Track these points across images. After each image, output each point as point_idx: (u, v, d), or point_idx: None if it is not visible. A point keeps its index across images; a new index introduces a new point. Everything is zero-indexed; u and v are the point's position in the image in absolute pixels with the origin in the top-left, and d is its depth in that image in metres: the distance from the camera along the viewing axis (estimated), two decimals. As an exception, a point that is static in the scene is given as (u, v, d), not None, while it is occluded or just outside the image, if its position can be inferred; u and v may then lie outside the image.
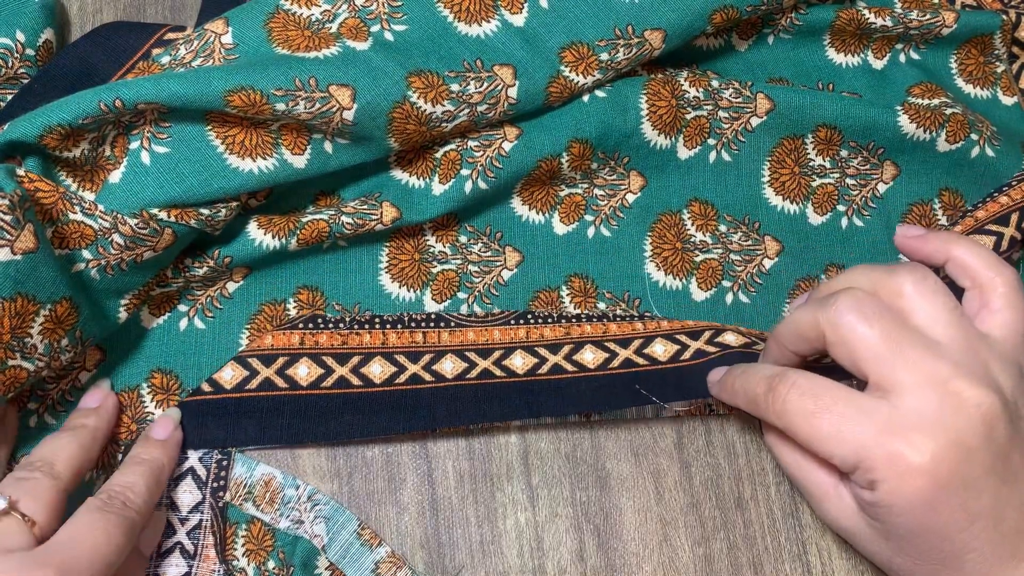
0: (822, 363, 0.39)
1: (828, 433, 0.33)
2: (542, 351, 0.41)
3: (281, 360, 0.40)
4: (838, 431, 0.32)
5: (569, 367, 0.41)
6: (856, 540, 0.36)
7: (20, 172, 0.34)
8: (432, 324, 0.41)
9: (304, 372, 0.40)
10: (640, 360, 0.41)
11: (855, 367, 0.33)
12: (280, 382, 0.40)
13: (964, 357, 0.33)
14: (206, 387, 0.40)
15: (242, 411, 0.39)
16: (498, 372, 0.41)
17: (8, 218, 0.32)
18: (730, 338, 0.41)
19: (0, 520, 0.31)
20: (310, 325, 0.41)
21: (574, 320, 0.42)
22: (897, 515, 0.32)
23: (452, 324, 0.42)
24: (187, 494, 0.38)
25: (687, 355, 0.41)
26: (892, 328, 0.33)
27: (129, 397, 0.39)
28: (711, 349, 0.41)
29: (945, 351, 0.33)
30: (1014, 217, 0.42)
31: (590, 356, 0.41)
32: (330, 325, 0.41)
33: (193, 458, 0.39)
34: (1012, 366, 0.34)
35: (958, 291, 0.36)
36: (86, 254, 0.35)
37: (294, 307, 0.41)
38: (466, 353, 0.41)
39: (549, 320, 0.42)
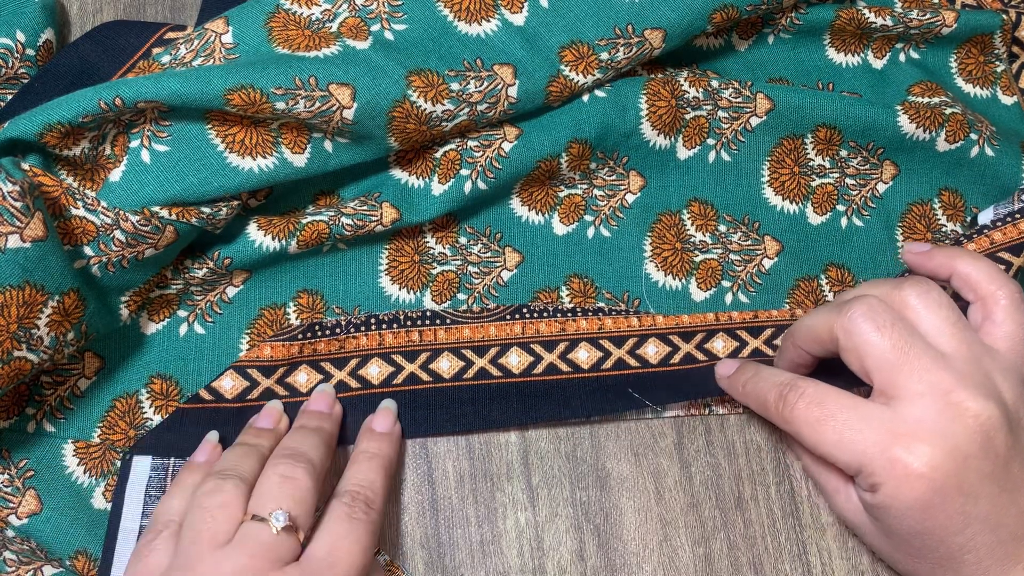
0: None
1: (832, 440, 0.34)
2: (537, 348, 0.41)
3: (281, 370, 0.40)
4: (841, 438, 0.34)
5: (564, 367, 0.41)
6: (863, 535, 0.37)
7: (25, 166, 0.34)
8: (428, 322, 0.41)
9: (303, 379, 0.40)
10: (632, 361, 0.42)
11: (863, 372, 0.35)
12: (280, 390, 0.40)
13: (968, 368, 0.33)
14: (205, 395, 0.39)
15: (243, 418, 0.39)
16: (494, 371, 0.41)
17: (19, 204, 0.32)
18: (718, 345, 0.42)
19: (279, 534, 0.32)
20: (307, 334, 0.41)
21: (570, 314, 0.42)
22: (896, 516, 0.33)
23: (448, 321, 0.42)
24: None
25: (676, 358, 0.42)
26: (902, 338, 0.34)
27: (127, 403, 0.39)
28: (700, 356, 0.42)
29: (950, 362, 0.33)
30: None
31: (584, 355, 0.41)
32: (327, 332, 0.41)
33: None
34: (1015, 377, 0.35)
35: (964, 305, 0.37)
36: (88, 250, 0.35)
37: (294, 311, 0.41)
38: (462, 351, 0.41)
39: (544, 314, 0.42)
